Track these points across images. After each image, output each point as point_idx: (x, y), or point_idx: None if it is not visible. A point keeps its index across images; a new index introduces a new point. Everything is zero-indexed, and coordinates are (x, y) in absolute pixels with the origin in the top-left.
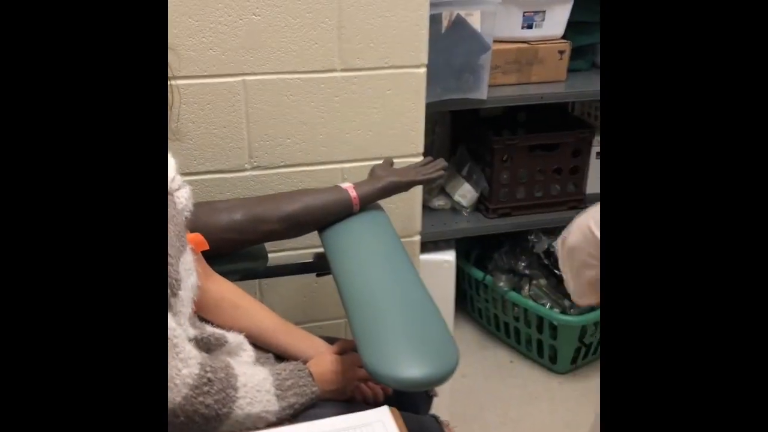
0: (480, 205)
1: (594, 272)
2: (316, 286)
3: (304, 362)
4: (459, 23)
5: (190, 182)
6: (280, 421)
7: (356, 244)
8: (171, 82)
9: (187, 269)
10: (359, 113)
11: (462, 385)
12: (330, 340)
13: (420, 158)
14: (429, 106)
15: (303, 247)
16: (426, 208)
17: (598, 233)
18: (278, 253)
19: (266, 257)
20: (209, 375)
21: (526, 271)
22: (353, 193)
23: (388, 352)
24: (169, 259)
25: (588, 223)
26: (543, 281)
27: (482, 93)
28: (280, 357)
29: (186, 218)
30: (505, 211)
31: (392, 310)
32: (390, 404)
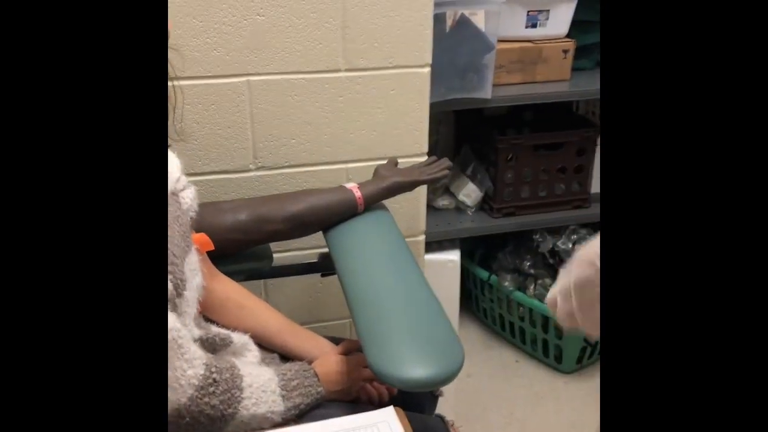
0: (484, 205)
1: None
2: (321, 287)
3: (310, 362)
4: (463, 23)
5: (194, 183)
6: (286, 422)
7: (361, 244)
8: (174, 83)
9: (192, 269)
10: (363, 113)
11: (467, 385)
12: (335, 341)
13: (424, 158)
14: (433, 106)
15: (308, 248)
16: (430, 207)
17: None
18: (283, 253)
19: (271, 257)
20: (214, 375)
21: (531, 271)
22: (358, 193)
23: (393, 352)
24: (174, 260)
25: (594, 256)
26: (548, 280)
27: (486, 92)
28: (286, 357)
29: (191, 218)
30: (509, 211)
31: (397, 310)
32: (395, 404)
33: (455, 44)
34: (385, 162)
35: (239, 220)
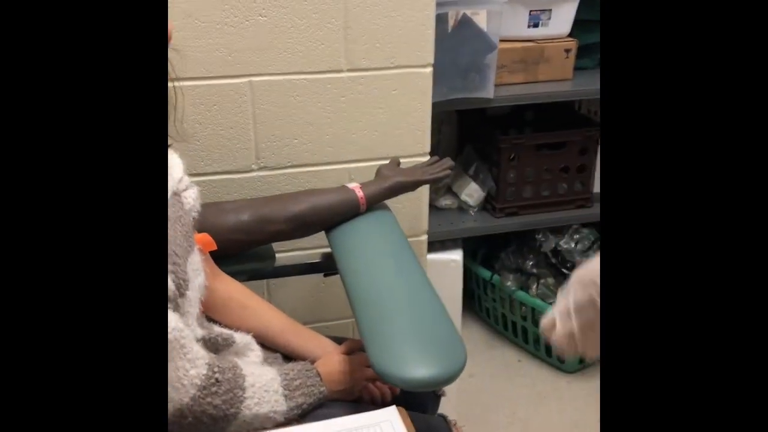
0: (487, 205)
1: None
2: (323, 286)
3: (312, 362)
4: (465, 23)
5: (197, 183)
6: (288, 422)
7: (363, 244)
8: (174, 83)
9: (195, 269)
10: (366, 113)
11: (470, 384)
12: (338, 340)
13: (426, 158)
14: (435, 106)
15: (311, 247)
16: (433, 207)
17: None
18: (286, 253)
19: (274, 257)
20: (217, 375)
21: (534, 270)
22: (360, 193)
23: (396, 352)
24: (177, 260)
25: (595, 275)
26: (551, 280)
27: (489, 92)
28: (288, 357)
29: (193, 218)
30: (512, 210)
31: (399, 309)
32: (398, 404)
33: (457, 44)
34: (387, 162)
35: (242, 220)
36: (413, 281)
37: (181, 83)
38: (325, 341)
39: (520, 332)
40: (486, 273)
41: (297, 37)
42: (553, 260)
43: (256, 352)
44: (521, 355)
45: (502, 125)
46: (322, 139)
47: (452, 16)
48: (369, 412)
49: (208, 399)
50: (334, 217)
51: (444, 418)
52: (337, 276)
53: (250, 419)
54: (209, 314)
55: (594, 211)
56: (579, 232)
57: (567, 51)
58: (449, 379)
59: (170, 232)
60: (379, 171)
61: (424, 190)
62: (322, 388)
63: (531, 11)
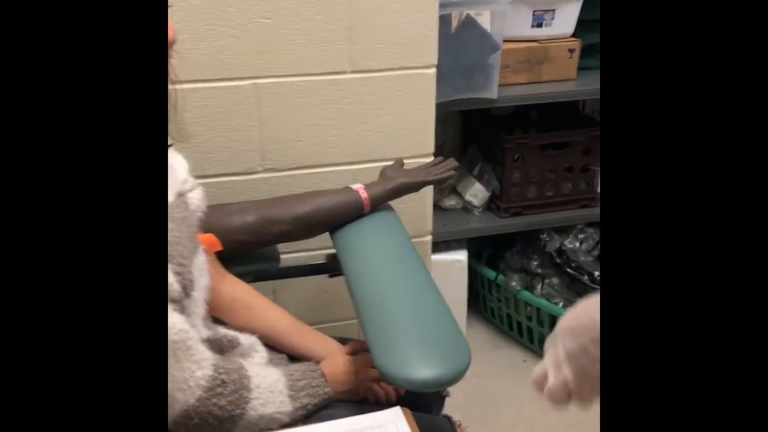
0: (491, 205)
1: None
2: (328, 287)
3: (317, 363)
4: (469, 23)
5: (202, 185)
6: (293, 422)
7: (367, 245)
8: (176, 86)
9: (200, 270)
10: (370, 115)
11: (475, 385)
12: (343, 341)
13: (430, 158)
14: (439, 107)
15: (315, 249)
16: (437, 208)
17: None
18: (291, 254)
19: (278, 258)
20: (223, 376)
21: (539, 270)
22: (364, 195)
23: (400, 352)
24: (182, 261)
25: (588, 321)
26: (555, 280)
27: (492, 92)
28: (294, 358)
29: (198, 219)
30: (516, 211)
31: (403, 310)
32: (402, 405)
33: (461, 45)
34: (391, 163)
35: (246, 221)
36: (417, 282)
37: (185, 86)
38: (330, 342)
39: (526, 332)
40: (491, 273)
41: (300, 39)
42: (558, 260)
43: (261, 353)
44: (526, 355)
45: (506, 125)
46: (326, 140)
47: (456, 16)
48: (373, 412)
49: (214, 400)
50: (338, 218)
51: (449, 418)
52: (342, 277)
53: (256, 420)
54: (214, 315)
55: (598, 211)
56: (583, 231)
57: (571, 51)
58: (453, 380)
59: (175, 233)
60: (383, 172)
61: (429, 191)
62: (327, 389)
63: (534, 11)
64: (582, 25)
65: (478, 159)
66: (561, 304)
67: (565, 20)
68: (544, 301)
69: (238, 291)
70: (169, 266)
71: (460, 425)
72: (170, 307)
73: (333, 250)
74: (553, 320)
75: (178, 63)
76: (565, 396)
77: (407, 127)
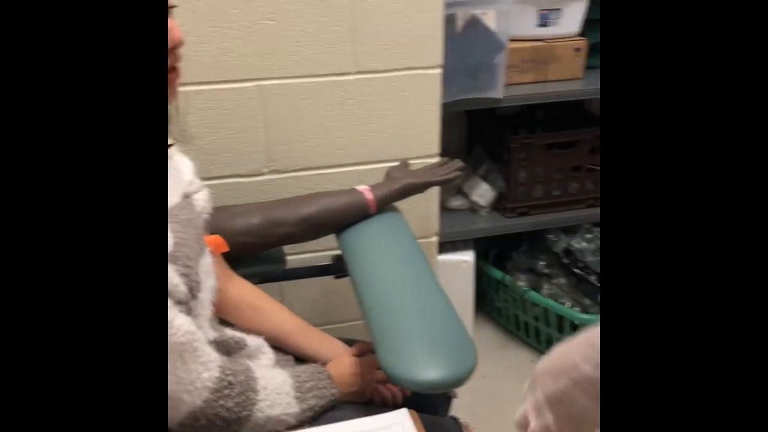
0: (498, 205)
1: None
2: (335, 288)
3: (323, 364)
4: (474, 23)
5: (208, 187)
6: (300, 424)
7: (373, 246)
8: (180, 88)
9: (206, 272)
10: (375, 115)
11: (482, 385)
12: (349, 342)
13: (436, 159)
14: (445, 107)
15: (321, 250)
16: (444, 208)
17: (589, 369)
18: (297, 255)
19: (284, 260)
20: (229, 378)
21: (546, 270)
22: (369, 196)
23: (406, 354)
24: (189, 262)
25: (568, 366)
26: (563, 280)
27: (498, 92)
28: (301, 359)
29: (204, 220)
30: (523, 210)
31: (409, 311)
32: (409, 406)
33: (466, 45)
34: (396, 164)
35: (252, 223)
36: (423, 283)
37: (190, 88)
38: (336, 343)
39: (533, 332)
40: (498, 273)
41: (305, 40)
42: (565, 260)
43: (268, 355)
44: (534, 355)
45: (512, 125)
46: (331, 141)
47: (461, 16)
48: (380, 414)
49: (221, 402)
50: (343, 219)
51: (455, 419)
52: (348, 278)
53: (263, 422)
54: (221, 316)
55: None
56: (590, 231)
57: (577, 50)
58: (459, 381)
59: (181, 235)
60: (389, 173)
61: (435, 192)
62: (333, 390)
63: (540, 10)
64: (588, 24)
65: (484, 159)
66: (568, 304)
67: (571, 19)
68: (551, 302)
69: (244, 292)
70: (176, 268)
71: (466, 426)
72: (177, 309)
73: (339, 252)
74: (561, 321)
75: (182, 65)
76: None
77: (412, 128)
